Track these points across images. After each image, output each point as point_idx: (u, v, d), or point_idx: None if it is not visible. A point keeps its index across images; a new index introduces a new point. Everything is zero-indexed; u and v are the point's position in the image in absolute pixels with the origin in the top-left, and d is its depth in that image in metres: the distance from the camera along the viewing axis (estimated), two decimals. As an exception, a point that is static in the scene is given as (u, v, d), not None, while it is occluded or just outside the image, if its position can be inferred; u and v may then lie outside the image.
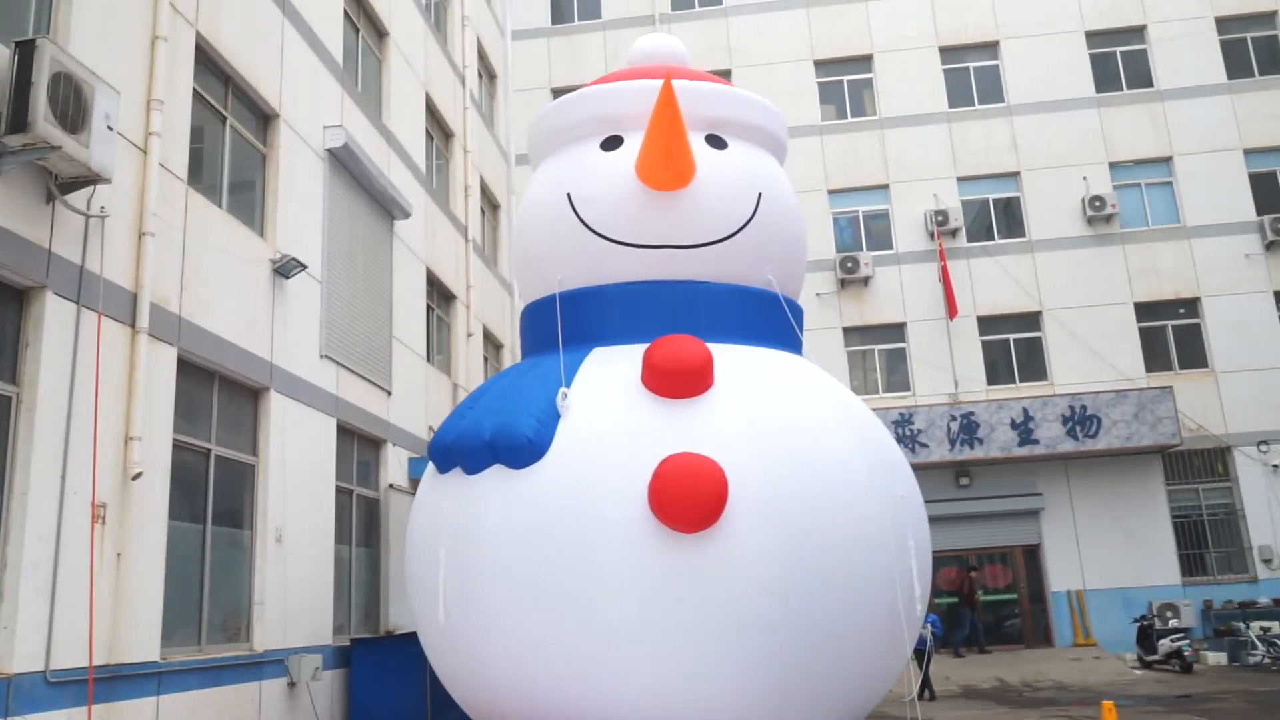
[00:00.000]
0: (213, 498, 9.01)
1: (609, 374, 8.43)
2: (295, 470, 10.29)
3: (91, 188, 7.22)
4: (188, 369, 8.64)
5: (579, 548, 7.65)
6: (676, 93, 9.46)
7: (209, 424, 9.07)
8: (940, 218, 19.89)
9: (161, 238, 8.17)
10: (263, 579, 9.60)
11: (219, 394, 9.24)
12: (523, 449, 8.09)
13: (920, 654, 14.80)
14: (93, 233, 7.31)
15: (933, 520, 18.50)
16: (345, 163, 12.12)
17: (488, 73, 21.17)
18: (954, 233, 20.13)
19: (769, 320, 9.27)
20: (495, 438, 8.20)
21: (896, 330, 20.22)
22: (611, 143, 9.33)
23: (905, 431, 18.63)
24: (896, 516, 8.34)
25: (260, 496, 9.76)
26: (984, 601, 19.32)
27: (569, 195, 9.28)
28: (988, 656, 18.20)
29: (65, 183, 6.90)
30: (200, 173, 9.31)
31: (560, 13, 23.20)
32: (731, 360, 8.66)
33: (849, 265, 19.94)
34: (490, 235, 20.11)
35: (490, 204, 20.23)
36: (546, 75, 22.65)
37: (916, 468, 18.13)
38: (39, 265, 6.75)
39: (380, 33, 14.45)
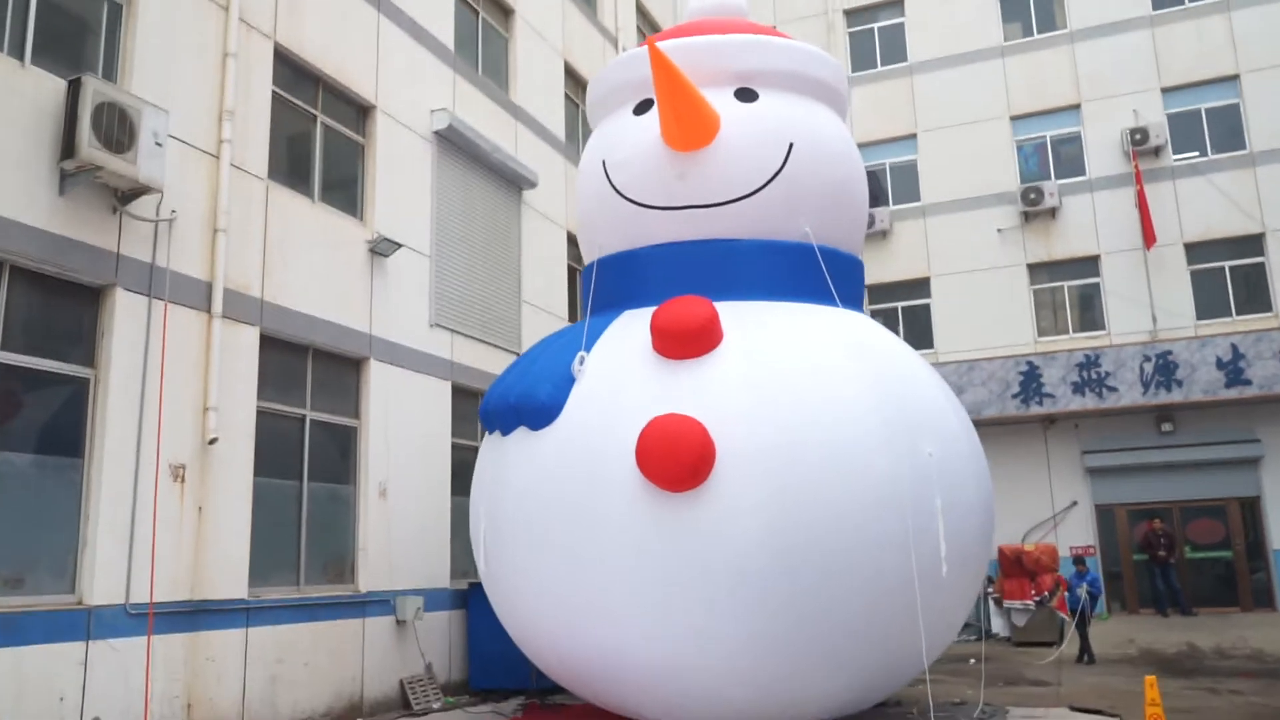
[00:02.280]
0: (309, 457, 10.21)
1: (629, 337, 8.65)
2: (400, 430, 11.36)
3: (159, 194, 8.42)
4: (276, 345, 9.82)
5: (582, 504, 8.04)
6: (703, 49, 9.42)
7: (303, 392, 10.26)
8: (1139, 136, 17.87)
9: (238, 232, 9.32)
10: (366, 528, 10.77)
11: (313, 365, 10.41)
12: (539, 411, 8.56)
13: (1078, 615, 13.90)
14: (164, 233, 8.53)
15: (1131, 470, 17.29)
16: (455, 142, 12.96)
17: (653, 28, 21.40)
18: (1156, 151, 18.01)
19: (803, 274, 9.04)
20: (518, 401, 8.73)
21: (1088, 264, 18.50)
22: (643, 107, 9.42)
23: (1090, 375, 17.14)
24: (919, 474, 7.98)
25: (362, 455, 10.90)
26: (1193, 559, 17.49)
27: (603, 162, 9.52)
28: (1191, 619, 16.53)
29: (125, 194, 8.10)
30: (288, 168, 10.42)
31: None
32: (751, 317, 8.59)
33: (1031, 196, 18.44)
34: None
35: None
36: (715, 26, 22.48)
37: (1104, 413, 16.96)
38: (108, 266, 8.02)
39: (505, 11, 15.15)
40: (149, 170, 8.02)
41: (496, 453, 8.99)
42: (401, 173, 12.00)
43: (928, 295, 19.51)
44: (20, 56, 7.66)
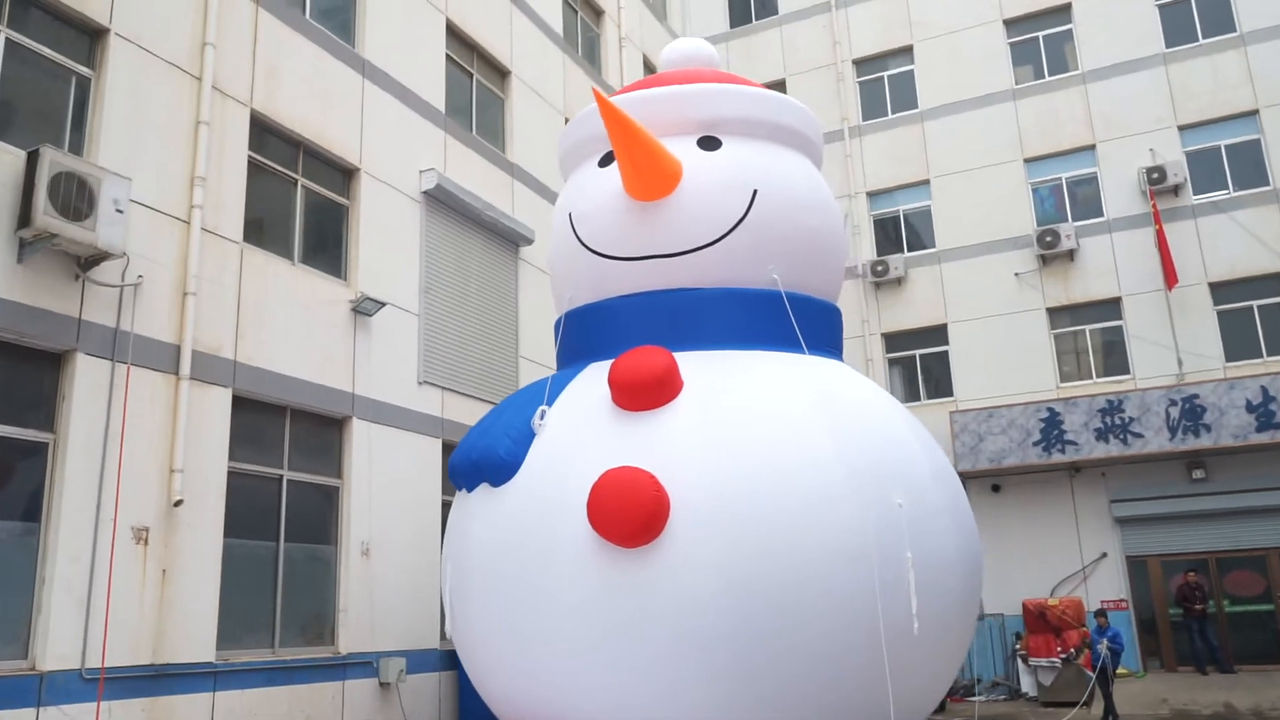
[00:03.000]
0: (286, 517, 10.17)
1: (590, 390, 8.52)
2: (386, 489, 11.30)
3: (123, 260, 8.55)
4: (250, 405, 9.85)
5: (536, 561, 7.85)
6: (666, 99, 9.39)
7: (280, 452, 10.26)
8: (1156, 175, 17.42)
9: (209, 295, 9.42)
10: (347, 588, 10.67)
11: (292, 425, 10.42)
12: (498, 467, 8.43)
13: (1103, 673, 13.25)
14: (130, 298, 8.64)
15: (1163, 520, 16.58)
16: (445, 201, 13.07)
17: (664, 87, 21.56)
18: (1175, 190, 17.53)
19: (770, 322, 8.85)
20: (479, 457, 8.61)
21: (1110, 307, 17.96)
22: (607, 159, 9.39)
23: (1114, 420, 16.54)
24: (887, 525, 7.66)
25: (345, 514, 10.85)
26: (1232, 613, 16.61)
27: (570, 214, 9.49)
28: (1230, 677, 15.65)
29: (86, 260, 8.23)
30: (266, 231, 10.56)
31: (737, 14, 23.07)
32: (713, 366, 8.41)
33: (1048, 239, 18.03)
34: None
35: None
36: (726, 80, 22.60)
37: (1131, 460, 16.32)
38: (69, 332, 8.13)
39: (501, 73, 15.36)
40: (109, 237, 8.15)
41: (462, 509, 8.87)
42: (388, 233, 12.11)
43: (945, 342, 19.09)
44: (-17, 130, 7.88)
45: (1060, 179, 18.89)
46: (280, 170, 10.85)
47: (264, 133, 10.62)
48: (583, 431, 8.24)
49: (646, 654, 7.37)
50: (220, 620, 9.10)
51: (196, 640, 8.82)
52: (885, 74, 20.98)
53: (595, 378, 8.60)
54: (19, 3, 8.34)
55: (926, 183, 19.91)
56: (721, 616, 7.33)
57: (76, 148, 8.59)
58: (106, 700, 7.92)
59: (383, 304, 11.44)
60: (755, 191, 9.01)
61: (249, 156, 10.29)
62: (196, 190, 9.44)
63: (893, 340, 19.70)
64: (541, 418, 8.54)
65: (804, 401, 8.14)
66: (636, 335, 8.80)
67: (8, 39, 8.18)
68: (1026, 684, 16.40)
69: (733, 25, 23.00)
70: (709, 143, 9.23)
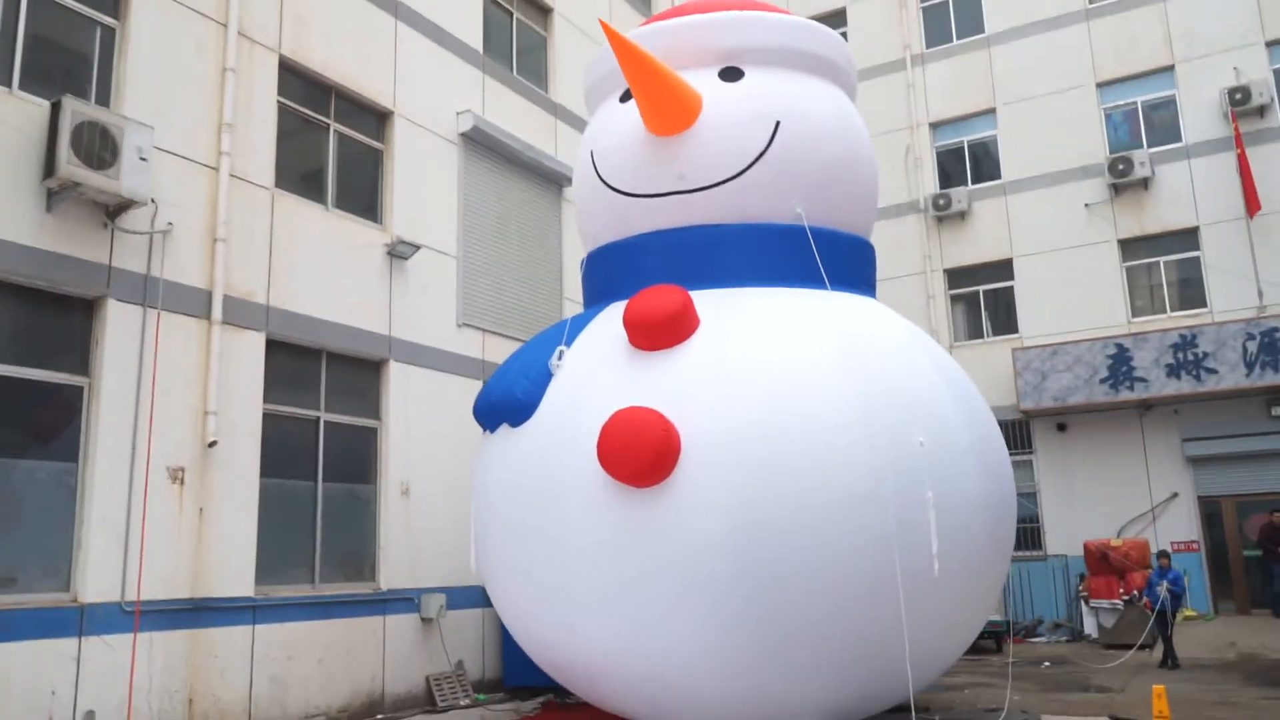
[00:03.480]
0: (323, 458, 10.40)
1: (608, 330, 8.46)
2: (424, 429, 11.46)
3: (152, 207, 8.72)
4: (285, 349, 10.04)
5: (550, 500, 7.88)
6: (685, 29, 9.09)
7: (316, 394, 10.46)
8: (1239, 96, 16.33)
9: (239, 240, 9.57)
10: (387, 526, 10.91)
11: (328, 368, 10.60)
12: (515, 408, 8.46)
13: (1161, 616, 12.89)
14: (159, 244, 8.83)
15: (1238, 459, 15.86)
16: (483, 143, 13.00)
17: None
18: (1260, 111, 16.40)
19: (793, 258, 8.59)
20: (498, 399, 8.65)
21: (1186, 237, 17.03)
22: (629, 94, 9.18)
23: (1186, 356, 15.78)
24: (906, 466, 7.45)
25: (383, 455, 11.05)
26: (1313, 556, 15.86)
27: (591, 152, 9.34)
28: (1308, 622, 15.01)
29: (113, 209, 8.42)
30: (299, 176, 10.65)
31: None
32: (730, 305, 8.23)
33: (1120, 168, 17.11)
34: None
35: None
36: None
37: (1206, 398, 15.59)
38: (100, 279, 8.35)
39: (543, 10, 15.13)
40: (133, 185, 8.30)
41: (485, 450, 8.94)
42: (424, 176, 12.11)
43: (1010, 278, 18.39)
44: (8, 84, 8.05)
45: (1135, 103, 17.87)
46: (312, 115, 10.90)
47: (294, 78, 10.66)
48: (598, 371, 8.18)
49: (656, 598, 7.35)
50: (259, 557, 9.39)
51: (235, 576, 9.13)
52: (950, -3, 20.06)
53: (614, 317, 8.52)
54: (40, -46, 8.46)
55: (993, 111, 19.05)
56: (730, 559, 7.25)
57: (102, 98, 8.74)
58: (147, 631, 8.27)
59: (418, 247, 11.49)
60: (778, 123, 8.71)
61: (279, 102, 10.36)
62: (224, 137, 9.54)
63: (955, 276, 19.08)
64: (559, 358, 8.51)
65: (822, 341, 7.92)
66: (656, 274, 8.66)
67: (30, -9, 8.33)
68: (1089, 626, 16.05)
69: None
70: (731, 74, 8.93)
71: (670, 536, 7.32)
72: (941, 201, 18.82)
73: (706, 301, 8.18)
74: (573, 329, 8.76)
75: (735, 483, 7.28)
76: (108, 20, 8.88)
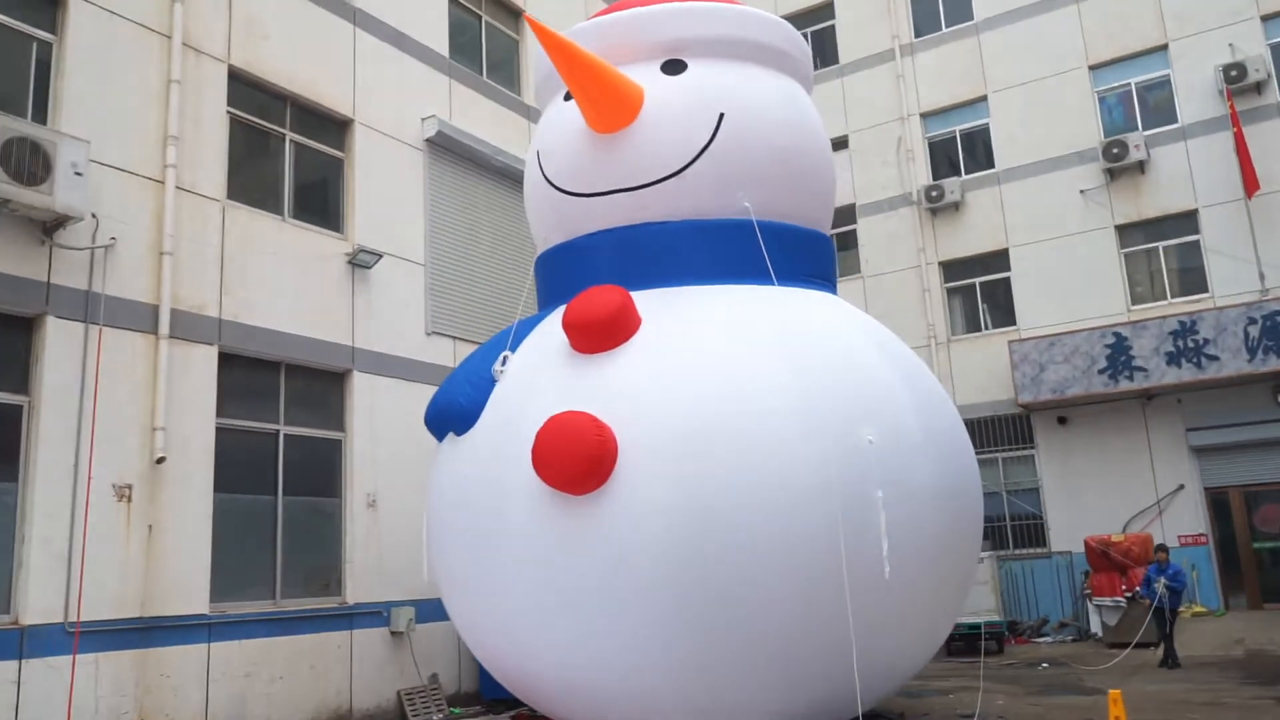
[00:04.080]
0: (283, 471, 10.27)
1: (552, 333, 8.25)
2: (391, 440, 11.30)
3: (92, 222, 8.63)
4: (240, 362, 9.92)
5: (491, 510, 7.69)
6: (627, 22, 8.88)
7: (275, 407, 10.33)
8: (1235, 73, 15.85)
9: (188, 254, 9.46)
10: (353, 539, 10.75)
11: (287, 380, 10.46)
12: (458, 416, 8.29)
13: (1160, 614, 12.50)
14: (101, 259, 8.73)
15: (1245, 448, 15.39)
16: (450, 149, 12.85)
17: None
18: (1257, 88, 15.90)
19: (739, 254, 8.33)
20: (442, 407, 8.48)
21: (1185, 220, 16.56)
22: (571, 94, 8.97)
23: (1185, 344, 15.32)
24: (853, 464, 7.17)
25: (348, 467, 10.90)
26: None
27: (537, 152, 9.15)
28: (1320, 615, 14.49)
29: (50, 225, 8.32)
30: (253, 187, 10.53)
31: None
32: (672, 304, 8.00)
33: (1115, 151, 16.68)
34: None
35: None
36: (773, 4, 21.64)
37: (1209, 385, 15.13)
38: (38, 296, 8.26)
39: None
40: (67, 200, 8.20)
41: (436, 459, 8.77)
42: (388, 184, 11.98)
43: (1007, 268, 17.99)
44: (-62, 101, 7.99)
45: (1129, 85, 17.43)
46: (266, 125, 10.79)
47: (247, 88, 10.55)
48: (538, 376, 7.97)
49: (596, 606, 7.13)
50: (214, 573, 9.26)
51: (187, 593, 9.00)
52: (938, -15, 19.70)
53: (558, 321, 8.30)
54: (-29, -29, 8.40)
55: (984, 99, 18.68)
56: (669, 566, 7.00)
57: (39, 114, 8.66)
58: (94, 652, 8.15)
59: (379, 255, 11.34)
60: (721, 115, 8.47)
61: (229, 113, 10.25)
62: (170, 150, 9.43)
63: (951, 269, 18.71)
64: (503, 363, 8.32)
65: (765, 338, 7.66)
66: (602, 275, 8.43)
67: (-40, 9, 8.27)
68: (1096, 624, 15.60)
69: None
70: (674, 66, 8.69)
71: (609, 543, 7.09)
72: (934, 193, 18.46)
73: (650, 301, 7.95)
74: (518, 333, 8.57)
75: (673, 487, 7.04)
76: (44, 35, 8.80)
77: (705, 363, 7.43)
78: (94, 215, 8.67)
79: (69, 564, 8.13)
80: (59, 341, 8.37)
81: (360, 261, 11.20)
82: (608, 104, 8.21)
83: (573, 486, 7.10)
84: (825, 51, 20.81)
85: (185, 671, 8.84)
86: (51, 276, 8.38)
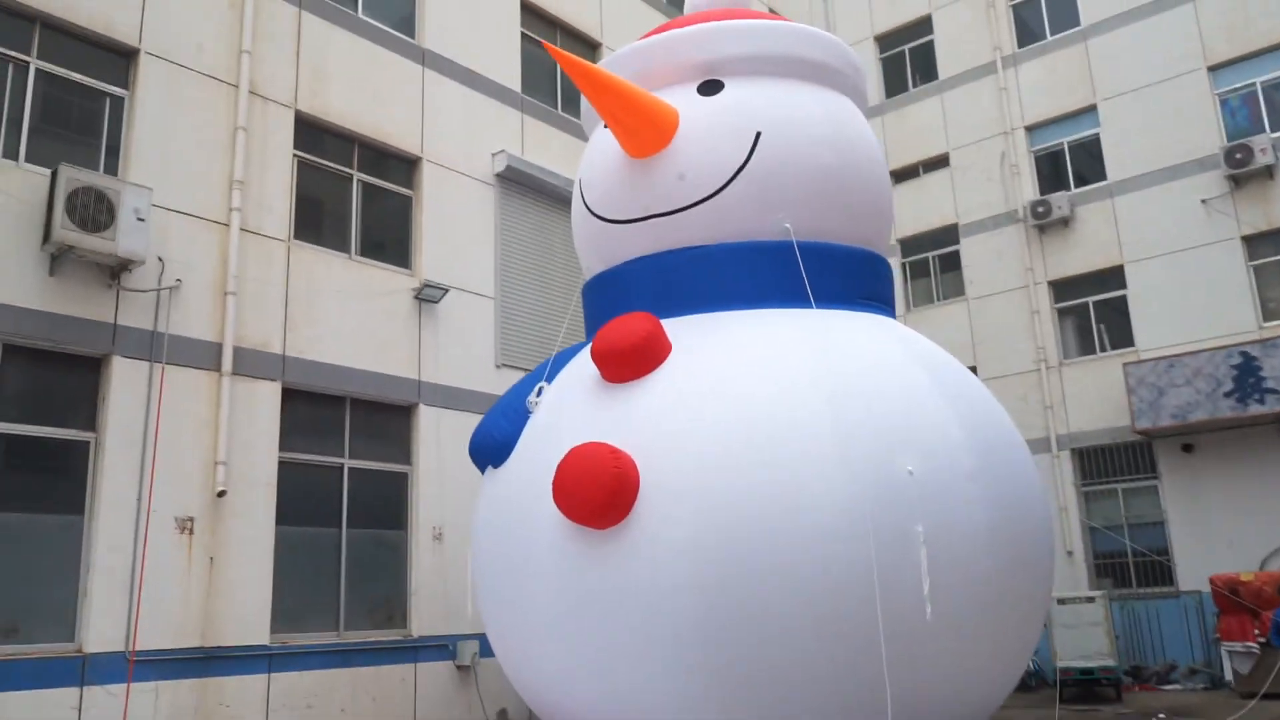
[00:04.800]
0: (348, 504, 10.44)
1: (586, 363, 8.09)
2: (458, 473, 11.33)
3: (158, 265, 9.04)
4: (303, 397, 10.17)
5: (520, 543, 7.58)
6: (662, 45, 8.71)
7: (340, 441, 10.53)
8: (1374, 65, 14.47)
9: (252, 293, 9.79)
10: (419, 572, 10.82)
11: (352, 414, 10.66)
12: (494, 449, 8.23)
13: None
14: (166, 300, 9.11)
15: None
16: (521, 182, 12.96)
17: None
18: (1402, 81, 14.49)
19: (778, 276, 7.99)
20: (480, 439, 8.43)
21: (1322, 229, 15.15)
22: (613, 118, 8.86)
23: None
24: (891, 497, 6.72)
25: (414, 500, 11.01)
26: None
27: (580, 180, 9.07)
28: None
29: (116, 269, 8.74)
30: (320, 226, 10.84)
31: (877, -49, 21.46)
32: (706, 330, 7.73)
33: (1238, 156, 15.41)
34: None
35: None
36: (869, 23, 21.12)
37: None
38: (105, 337, 8.67)
39: (590, 45, 15.06)
40: (130, 245, 8.60)
41: (480, 492, 8.72)
42: (457, 219, 12.15)
43: (1122, 286, 16.82)
44: (15, 157, 8.52)
45: (1254, 84, 16.11)
46: (333, 167, 11.11)
47: (314, 131, 10.91)
48: (568, 407, 7.83)
49: (619, 644, 6.88)
50: (275, 604, 9.45)
51: (248, 624, 9.20)
52: (1042, -8, 18.80)
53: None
54: (49, 32, 8.96)
55: (1093, 108, 17.63)
56: (692, 603, 6.69)
57: (111, 164, 9.15)
58: (154, 681, 8.41)
59: (446, 290, 11.49)
60: (759, 134, 8.19)
61: (295, 156, 10.61)
62: (235, 194, 9.81)
63: (1062, 288, 17.64)
64: (538, 394, 8.22)
65: (799, 364, 7.29)
66: (637, 303, 8.25)
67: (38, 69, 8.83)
68: (1229, 671, 14.24)
69: (873, -37, 21.43)
70: (710, 87, 8.48)
71: (631, 579, 6.84)
72: (1041, 209, 17.50)
73: (682, 328, 7.72)
74: (556, 364, 8.46)
75: (698, 521, 6.75)
76: (117, 91, 9.31)
77: (733, 391, 7.12)
78: (160, 259, 9.08)
79: (130, 594, 8.44)
80: (124, 380, 8.75)
81: (427, 296, 11.37)
82: (639, 128, 8.06)
83: (593, 520, 6.89)
84: (924, 68, 20.15)
85: (245, 702, 9.03)
86: (119, 318, 8.79)
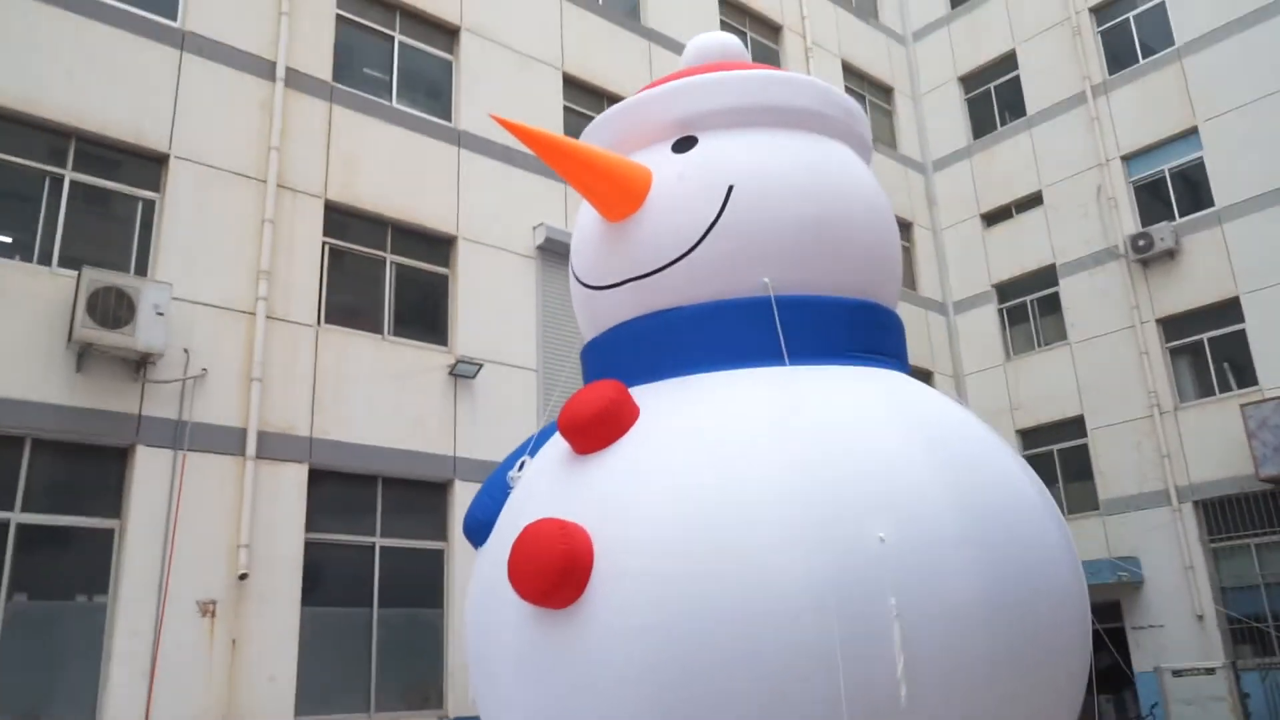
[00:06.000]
0: (379, 583, 10.49)
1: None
2: (497, 548, 11.26)
3: (185, 355, 9.48)
4: (332, 477, 10.36)
5: (489, 628, 7.24)
6: (638, 106, 8.51)
7: (371, 520, 10.64)
8: None
9: (278, 378, 10.11)
10: (457, 651, 10.72)
11: (384, 493, 10.78)
12: (475, 528, 8.00)
13: None
14: (191, 390, 9.51)
15: None
16: (562, 253, 12.99)
17: (878, 87, 19.98)
18: None
19: (758, 334, 7.56)
20: (467, 518, 8.29)
21: None
22: (599, 183, 8.75)
23: None
24: (858, 567, 6.11)
25: (450, 577, 10.98)
26: None
27: (571, 248, 8.96)
28: None
29: (140, 362, 9.20)
30: (351, 309, 11.14)
31: (958, -8, 20.78)
32: (675, 395, 7.35)
33: (1361, 170, 13.89)
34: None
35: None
36: (951, 66, 20.38)
37: None
38: (129, 428, 9.11)
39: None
40: (149, 339, 9.05)
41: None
42: (496, 293, 12.27)
43: (1239, 320, 15.30)
44: (49, 262, 9.17)
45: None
46: (364, 251, 11.45)
47: (344, 217, 11.29)
48: (540, 481, 7.58)
49: (573, 726, 6.54)
50: (301, 685, 9.54)
51: (272, 706, 9.31)
52: (1131, 14, 17.68)
53: (574, 421, 7.94)
54: (83, 144, 9.64)
55: (1194, 131, 16.33)
56: (649, 690, 6.23)
57: (142, 263, 9.70)
58: (171, 765, 8.59)
59: (479, 365, 11.56)
60: (730, 188, 7.86)
61: (326, 243, 10.99)
62: (261, 284, 10.22)
63: (1172, 326, 16.21)
64: (520, 469, 8.05)
65: (761, 428, 6.82)
66: (614, 370, 7.99)
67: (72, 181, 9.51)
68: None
69: (954, 5, 20.74)
70: (685, 144, 8.19)
71: (586, 663, 6.42)
72: (1142, 242, 16.22)
73: (650, 395, 7.38)
74: (540, 437, 8.27)
75: (652, 603, 6.27)
76: (148, 194, 9.92)
77: (689, 459, 6.72)
78: (185, 350, 9.52)
79: (151, 678, 8.68)
80: (148, 468, 9.14)
81: (461, 372, 11.47)
82: (608, 192, 7.87)
83: (543, 600, 6.51)
84: (1011, 105, 19.23)
85: (267, 784, 9.10)
86: (143, 409, 9.23)
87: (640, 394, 7.45)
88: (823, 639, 6.05)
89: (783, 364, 7.29)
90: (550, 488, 7.25)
